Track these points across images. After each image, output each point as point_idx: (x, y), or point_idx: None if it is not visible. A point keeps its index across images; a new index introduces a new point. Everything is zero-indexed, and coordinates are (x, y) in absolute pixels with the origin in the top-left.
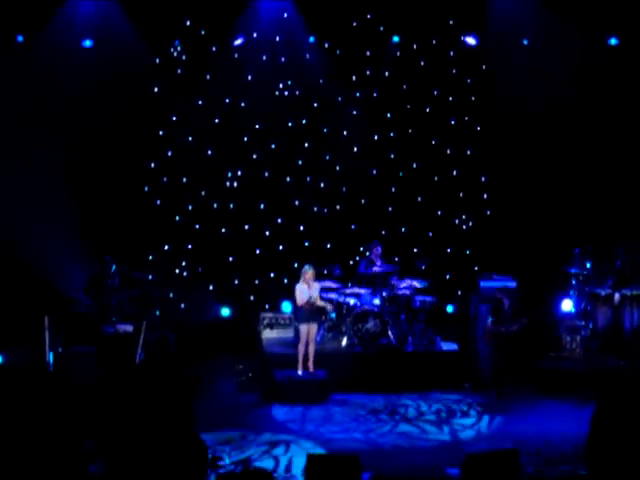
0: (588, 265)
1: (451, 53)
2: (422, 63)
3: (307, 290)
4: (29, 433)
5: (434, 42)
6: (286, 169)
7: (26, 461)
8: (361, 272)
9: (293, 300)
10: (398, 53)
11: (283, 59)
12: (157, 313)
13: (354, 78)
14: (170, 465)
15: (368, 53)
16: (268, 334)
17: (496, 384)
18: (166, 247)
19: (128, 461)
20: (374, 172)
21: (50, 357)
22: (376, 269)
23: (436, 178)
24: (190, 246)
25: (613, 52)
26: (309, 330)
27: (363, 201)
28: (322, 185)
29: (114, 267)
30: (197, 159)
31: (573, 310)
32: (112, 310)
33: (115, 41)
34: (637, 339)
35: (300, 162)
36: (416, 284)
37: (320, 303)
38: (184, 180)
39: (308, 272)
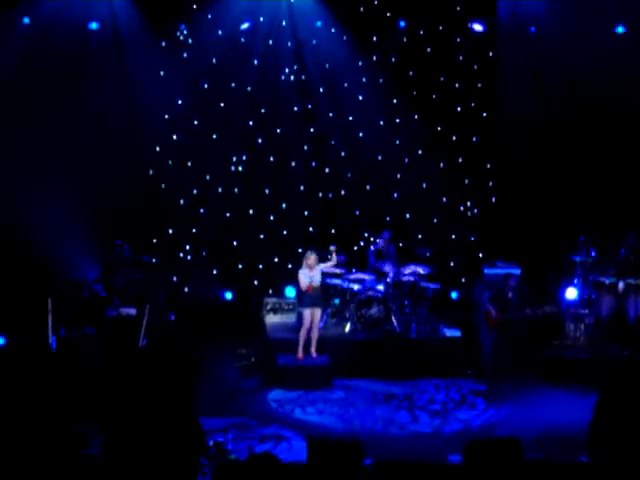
0: (593, 253)
1: (458, 39)
2: (428, 49)
3: (309, 275)
4: (23, 413)
5: (441, 28)
6: (291, 154)
7: (14, 441)
8: (372, 264)
9: (298, 286)
10: (405, 39)
11: (289, 44)
12: (161, 297)
13: (360, 63)
14: (167, 449)
15: (375, 39)
16: (271, 319)
17: (496, 372)
18: (170, 231)
19: (128, 444)
20: (379, 158)
21: (53, 340)
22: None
23: (441, 165)
24: (194, 230)
25: (620, 40)
26: (313, 315)
27: (368, 187)
28: (327, 170)
29: (126, 249)
30: (202, 143)
31: (577, 298)
32: (117, 293)
33: (120, 24)
34: None
35: (305, 147)
36: (420, 270)
37: (331, 263)
38: (189, 164)
39: (310, 257)
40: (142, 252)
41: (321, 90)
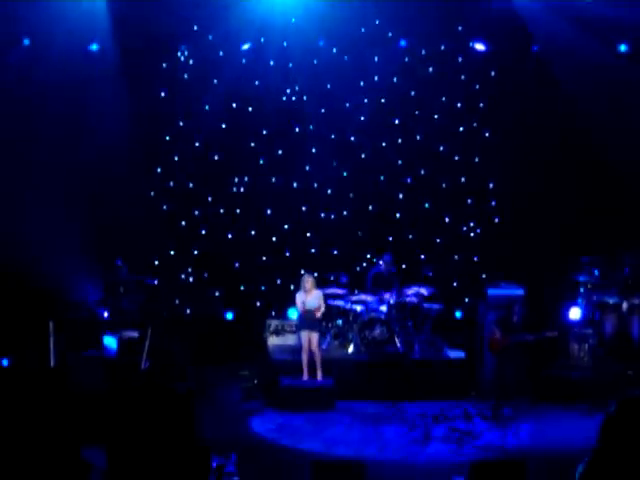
0: (596, 273)
1: (459, 59)
2: (430, 69)
3: (303, 298)
4: (26, 437)
5: (442, 48)
6: (293, 175)
7: (20, 466)
8: (369, 286)
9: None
10: (406, 59)
11: (291, 64)
12: (163, 318)
13: (362, 83)
14: (174, 470)
15: (376, 59)
16: (274, 341)
17: (500, 393)
18: (172, 252)
19: (132, 467)
20: (382, 178)
21: (55, 362)
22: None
23: (444, 185)
24: (196, 251)
25: (623, 59)
26: (309, 338)
27: (370, 207)
28: (329, 191)
29: (126, 271)
30: (204, 164)
31: (581, 318)
32: (119, 315)
33: (122, 45)
34: None
35: (307, 168)
36: (423, 291)
37: (321, 311)
38: (190, 185)
39: (306, 280)
40: (144, 274)
41: (322, 110)
